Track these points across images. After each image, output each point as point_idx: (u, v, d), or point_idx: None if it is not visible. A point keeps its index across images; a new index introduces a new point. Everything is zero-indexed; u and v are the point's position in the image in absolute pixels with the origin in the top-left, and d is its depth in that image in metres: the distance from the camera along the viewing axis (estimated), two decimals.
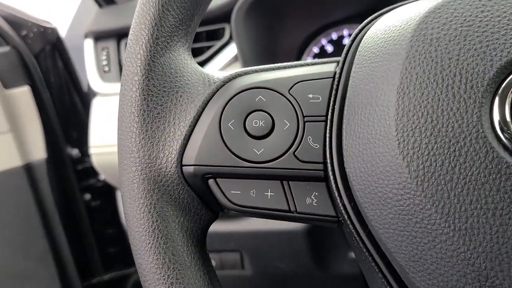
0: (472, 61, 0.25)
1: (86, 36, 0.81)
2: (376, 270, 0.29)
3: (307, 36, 0.78)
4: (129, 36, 0.32)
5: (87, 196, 1.04)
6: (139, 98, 0.31)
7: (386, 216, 0.27)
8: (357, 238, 0.29)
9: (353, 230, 0.29)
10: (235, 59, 0.67)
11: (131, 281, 1.12)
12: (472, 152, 0.24)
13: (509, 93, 0.24)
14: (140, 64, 0.31)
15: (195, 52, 0.72)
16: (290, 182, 0.31)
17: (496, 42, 0.25)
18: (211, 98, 0.32)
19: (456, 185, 0.24)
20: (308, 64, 0.33)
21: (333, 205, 0.30)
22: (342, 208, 0.29)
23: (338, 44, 0.80)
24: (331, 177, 0.29)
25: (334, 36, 0.80)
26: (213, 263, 0.74)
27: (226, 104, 0.31)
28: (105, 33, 0.78)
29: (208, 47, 0.72)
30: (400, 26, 0.28)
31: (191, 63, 0.33)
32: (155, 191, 0.30)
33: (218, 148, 0.31)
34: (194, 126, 0.31)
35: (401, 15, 0.29)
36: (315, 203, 0.30)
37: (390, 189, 0.26)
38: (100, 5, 0.83)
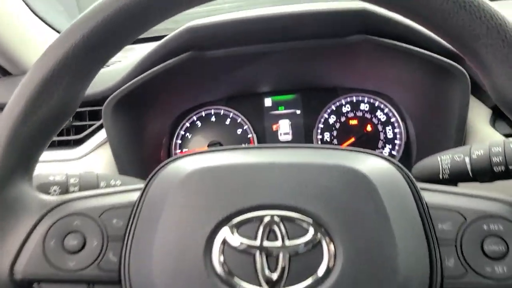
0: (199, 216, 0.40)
1: None
2: None
3: (180, 114, 0.94)
4: None
5: None
6: None
7: None
8: None
9: None
10: (106, 139, 0.81)
11: None
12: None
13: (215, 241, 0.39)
14: None
15: (78, 129, 0.85)
16: (95, 285, 0.42)
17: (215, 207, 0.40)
18: (41, 220, 0.45)
19: None
20: (116, 192, 0.47)
21: None
22: None
23: (206, 120, 0.98)
24: (124, 282, 0.43)
25: (203, 114, 0.97)
26: None
27: (50, 227, 0.44)
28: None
29: (90, 125, 0.85)
30: (173, 177, 0.43)
31: (30, 190, 0.46)
32: None
33: (41, 263, 0.42)
34: (25, 242, 0.44)
35: (175, 170, 0.44)
36: None
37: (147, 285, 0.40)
38: None
